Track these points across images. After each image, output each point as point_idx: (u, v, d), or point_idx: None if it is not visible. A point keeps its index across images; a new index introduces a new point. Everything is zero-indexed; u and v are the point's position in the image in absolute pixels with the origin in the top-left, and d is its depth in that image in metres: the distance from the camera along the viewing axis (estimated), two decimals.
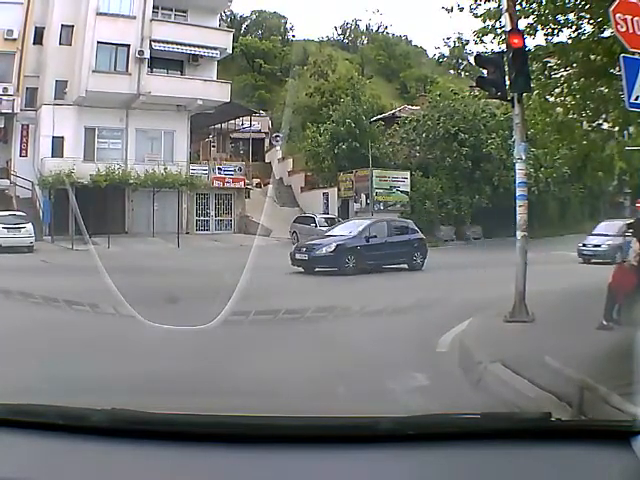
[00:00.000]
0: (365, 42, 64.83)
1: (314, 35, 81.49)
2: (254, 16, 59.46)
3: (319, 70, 47.22)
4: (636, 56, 7.09)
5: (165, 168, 28.49)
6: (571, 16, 10.11)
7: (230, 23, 50.50)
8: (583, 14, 9.95)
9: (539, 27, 10.18)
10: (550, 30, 10.23)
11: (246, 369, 6.17)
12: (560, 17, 10.10)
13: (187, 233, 29.63)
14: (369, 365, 6.42)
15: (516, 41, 8.76)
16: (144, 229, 28.18)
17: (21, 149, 29.68)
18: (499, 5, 9.95)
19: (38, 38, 28.96)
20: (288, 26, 60.49)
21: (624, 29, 7.02)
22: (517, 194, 9.17)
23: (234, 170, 32.32)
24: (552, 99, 11.29)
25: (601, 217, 27.64)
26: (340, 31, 66.17)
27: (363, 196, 31.14)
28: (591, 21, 9.87)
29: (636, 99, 7.05)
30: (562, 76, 10.77)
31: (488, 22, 10.41)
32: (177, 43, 29.96)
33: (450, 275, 15.55)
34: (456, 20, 14.43)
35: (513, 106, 9.21)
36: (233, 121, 35.23)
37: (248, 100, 44.36)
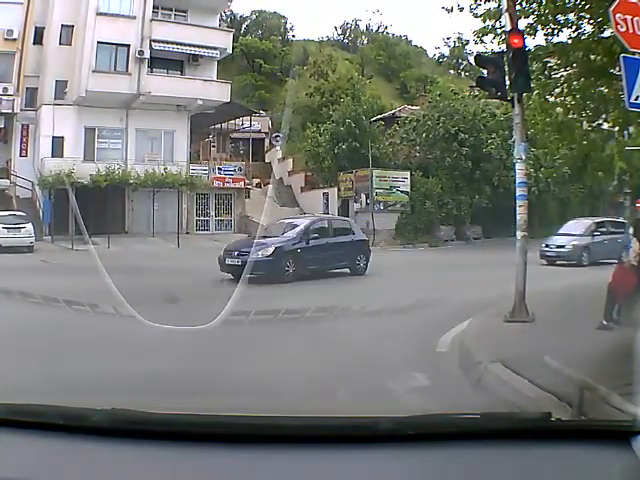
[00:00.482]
0: (365, 42, 64.90)
1: (314, 35, 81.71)
2: (254, 16, 59.52)
3: (319, 70, 47.22)
4: (636, 56, 7.09)
5: (165, 168, 28.50)
6: (571, 16, 10.11)
7: (230, 23, 50.55)
8: (583, 14, 9.95)
9: (539, 27, 10.18)
10: (550, 30, 10.23)
11: (246, 369, 6.17)
12: (560, 17, 10.10)
13: (187, 233, 29.64)
14: (369, 365, 6.43)
15: (516, 41, 8.76)
16: (144, 229, 28.18)
17: (21, 149, 29.68)
18: (499, 5, 9.96)
19: (38, 38, 28.96)
20: (288, 26, 60.64)
21: (624, 29, 7.02)
22: (517, 194, 9.17)
23: (234, 170, 32.32)
24: (552, 99, 11.28)
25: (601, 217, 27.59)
26: (340, 31, 66.36)
27: (363, 196, 31.14)
28: (591, 21, 9.87)
29: (636, 99, 7.05)
30: (562, 76, 10.77)
31: (488, 22, 10.42)
32: (177, 43, 29.96)
33: (450, 275, 15.54)
34: (456, 20, 14.49)
35: (513, 106, 9.21)
36: (233, 121, 35.22)
37: (248, 100, 44.40)
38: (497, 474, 1.80)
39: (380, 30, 63.87)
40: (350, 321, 8.68)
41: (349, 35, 66.76)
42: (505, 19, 9.42)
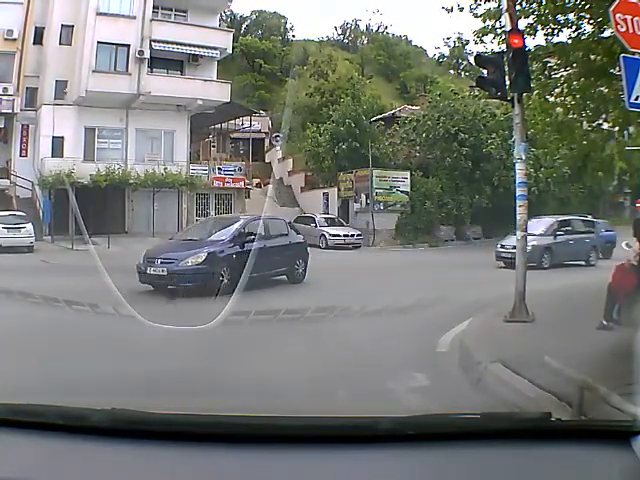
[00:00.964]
0: (365, 42, 64.98)
1: (314, 35, 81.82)
2: (254, 16, 59.61)
3: (319, 70, 47.26)
4: (636, 56, 7.09)
5: (165, 168, 28.52)
6: (571, 16, 10.12)
7: (230, 23, 50.60)
8: (583, 14, 9.95)
9: (539, 27, 10.19)
10: (550, 30, 10.24)
11: (246, 369, 6.17)
12: (560, 17, 10.11)
13: None
14: (369, 365, 6.43)
15: (516, 41, 8.76)
16: (144, 229, 28.15)
17: (21, 149, 29.68)
18: (499, 5, 9.96)
19: (38, 38, 28.95)
20: (288, 26, 60.78)
21: (624, 29, 7.02)
22: (517, 194, 9.17)
23: (234, 170, 32.32)
24: (552, 99, 11.29)
25: (600, 217, 27.56)
26: (340, 31, 66.44)
27: (363, 196, 31.14)
28: (591, 21, 9.88)
29: (636, 99, 7.05)
30: (562, 76, 10.78)
31: (488, 22, 10.43)
32: (177, 43, 29.96)
33: (450, 275, 15.54)
34: (456, 20, 14.50)
35: (513, 106, 9.21)
36: (233, 121, 35.23)
37: (248, 100, 44.43)
38: (497, 474, 1.80)
39: (380, 30, 64.05)
40: (350, 321, 8.67)
41: (349, 35, 66.83)
42: (505, 19, 9.42)
